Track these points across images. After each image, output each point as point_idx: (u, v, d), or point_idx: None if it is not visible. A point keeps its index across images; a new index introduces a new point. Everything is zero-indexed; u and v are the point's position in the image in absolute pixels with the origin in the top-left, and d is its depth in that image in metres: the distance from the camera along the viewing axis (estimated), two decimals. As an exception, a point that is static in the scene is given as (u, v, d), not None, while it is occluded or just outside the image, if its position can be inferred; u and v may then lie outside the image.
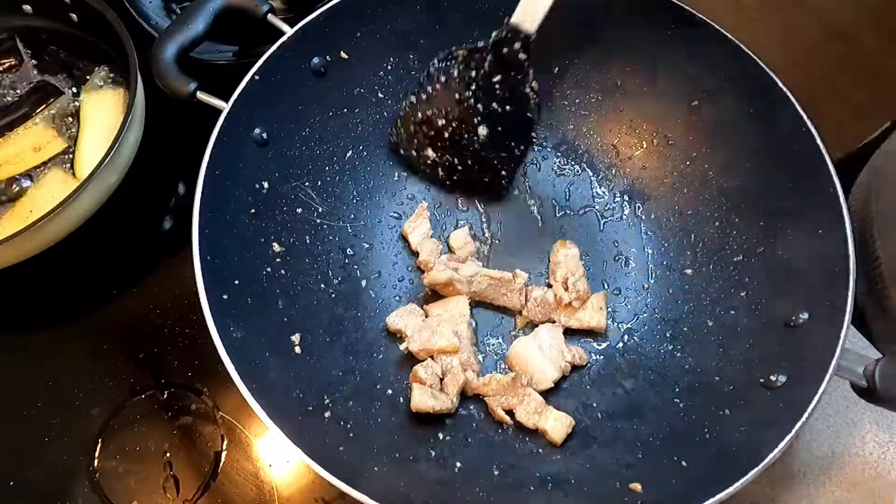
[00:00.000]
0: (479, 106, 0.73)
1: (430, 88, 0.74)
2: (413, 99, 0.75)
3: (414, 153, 0.78)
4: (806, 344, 0.59)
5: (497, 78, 0.72)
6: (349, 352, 0.68)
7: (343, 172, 0.76)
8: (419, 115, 0.75)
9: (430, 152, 0.77)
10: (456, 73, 0.73)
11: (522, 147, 0.78)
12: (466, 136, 0.75)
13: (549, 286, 0.74)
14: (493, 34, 0.70)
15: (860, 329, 0.72)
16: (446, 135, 0.75)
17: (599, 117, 0.80)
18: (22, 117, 0.82)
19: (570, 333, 0.72)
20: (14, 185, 0.78)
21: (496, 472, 0.61)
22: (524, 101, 0.74)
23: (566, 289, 0.71)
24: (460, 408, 0.67)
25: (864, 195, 0.76)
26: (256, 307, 0.63)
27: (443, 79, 0.74)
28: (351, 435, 0.61)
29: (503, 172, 0.78)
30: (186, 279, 0.58)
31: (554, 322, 0.72)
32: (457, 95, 0.73)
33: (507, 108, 0.74)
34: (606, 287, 0.75)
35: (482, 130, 0.74)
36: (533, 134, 0.78)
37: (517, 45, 0.69)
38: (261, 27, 0.71)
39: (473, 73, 0.72)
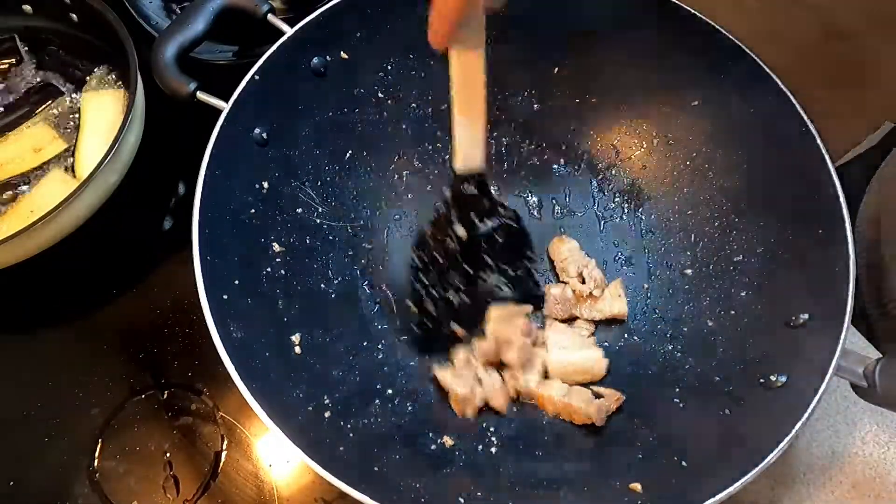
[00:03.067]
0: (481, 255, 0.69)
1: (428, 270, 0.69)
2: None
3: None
4: (806, 344, 0.59)
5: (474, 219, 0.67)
6: (349, 352, 0.68)
7: (343, 172, 0.76)
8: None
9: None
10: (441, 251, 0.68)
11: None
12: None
13: (565, 283, 0.73)
14: (447, 190, 0.65)
15: (860, 329, 0.72)
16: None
17: (599, 117, 0.80)
18: (22, 117, 0.82)
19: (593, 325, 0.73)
20: (14, 187, 0.78)
21: (497, 473, 0.62)
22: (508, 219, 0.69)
23: (583, 281, 0.71)
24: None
25: (871, 222, 0.74)
26: (256, 307, 0.63)
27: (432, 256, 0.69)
28: (351, 435, 0.61)
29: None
30: (186, 279, 0.58)
31: (577, 318, 0.72)
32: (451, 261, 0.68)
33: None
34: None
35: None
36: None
37: (470, 187, 0.64)
38: (261, 27, 0.71)
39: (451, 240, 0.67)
